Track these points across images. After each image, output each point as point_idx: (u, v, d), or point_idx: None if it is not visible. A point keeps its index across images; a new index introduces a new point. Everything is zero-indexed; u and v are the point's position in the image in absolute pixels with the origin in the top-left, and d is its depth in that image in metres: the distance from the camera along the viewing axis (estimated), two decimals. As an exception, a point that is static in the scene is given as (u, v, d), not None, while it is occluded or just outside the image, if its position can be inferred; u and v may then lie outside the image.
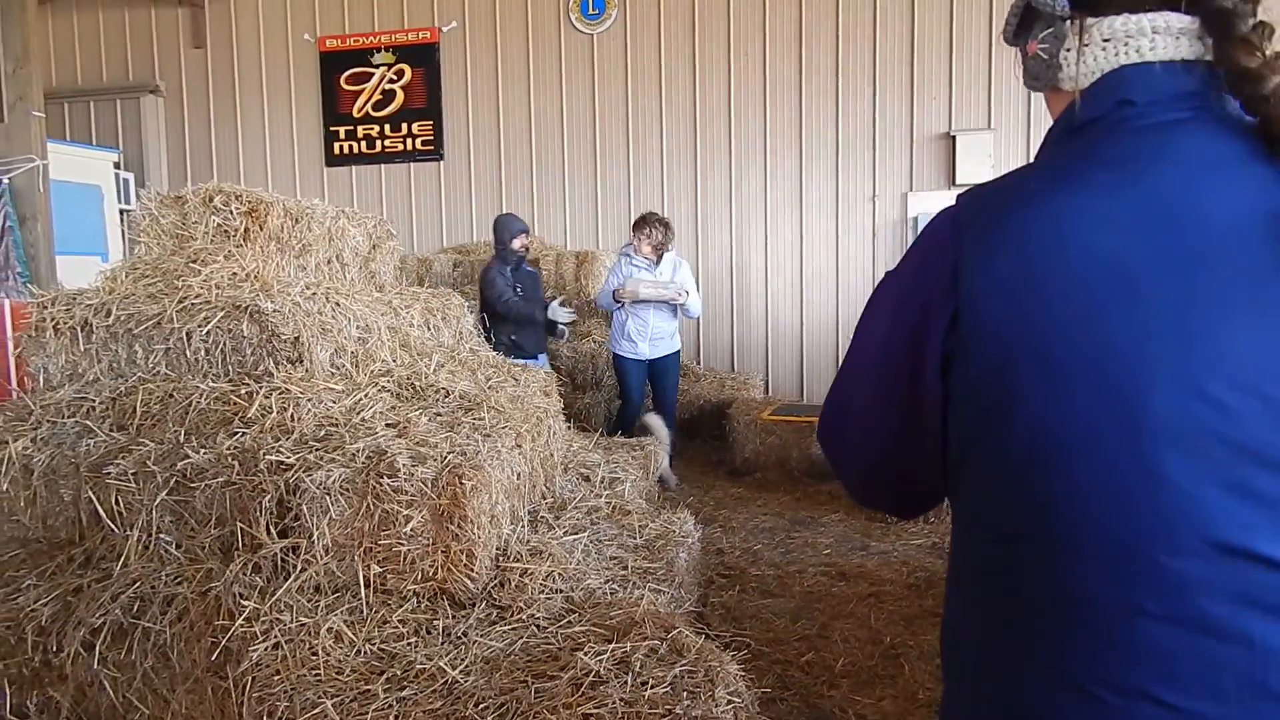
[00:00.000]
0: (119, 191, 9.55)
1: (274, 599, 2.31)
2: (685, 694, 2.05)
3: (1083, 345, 0.77)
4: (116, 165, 9.68)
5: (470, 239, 9.58)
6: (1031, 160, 0.93)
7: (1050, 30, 0.91)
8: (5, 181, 6.75)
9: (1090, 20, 0.87)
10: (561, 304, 6.34)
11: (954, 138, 8.12)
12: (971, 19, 8.14)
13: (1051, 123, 0.94)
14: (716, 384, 7.90)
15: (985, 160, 8.06)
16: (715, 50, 8.72)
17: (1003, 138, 8.13)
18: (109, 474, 2.53)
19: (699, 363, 8.92)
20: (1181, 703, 0.74)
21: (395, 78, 9.48)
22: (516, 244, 5.99)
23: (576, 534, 2.97)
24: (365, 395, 2.87)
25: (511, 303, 5.83)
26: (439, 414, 2.95)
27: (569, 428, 4.66)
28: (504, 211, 7.19)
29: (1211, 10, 0.83)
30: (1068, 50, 0.89)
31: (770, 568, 4.25)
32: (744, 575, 4.13)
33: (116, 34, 10.18)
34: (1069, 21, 0.89)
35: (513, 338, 5.93)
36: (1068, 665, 0.79)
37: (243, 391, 2.74)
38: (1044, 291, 0.78)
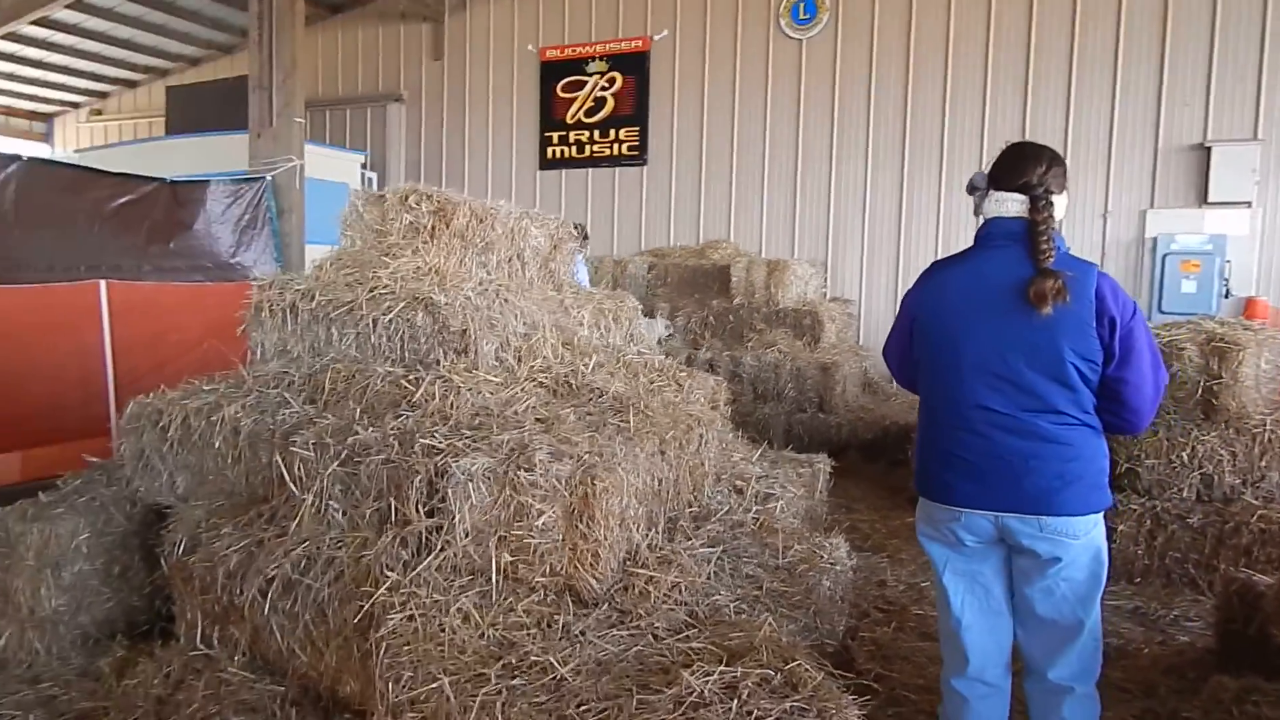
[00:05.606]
0: (364, 189, 10.70)
1: (414, 573, 2.45)
2: (792, 731, 1.94)
3: (944, 329, 2.26)
4: (363, 165, 10.82)
5: (667, 242, 9.75)
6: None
7: (980, 192, 2.29)
8: (269, 178, 7.73)
9: (991, 192, 2.26)
10: None
11: (1209, 149, 7.12)
12: (1239, 6, 7.08)
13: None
14: (906, 405, 7.47)
15: (1248, 176, 7.01)
16: (932, 51, 8.26)
17: (1274, 150, 7.04)
18: (294, 442, 2.82)
19: (892, 382, 8.49)
20: (969, 458, 2.21)
21: (607, 85, 9.84)
22: None
23: (713, 547, 2.91)
24: (521, 389, 2.99)
25: None
26: (589, 413, 3.00)
27: (738, 437, 4.60)
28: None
29: (1030, 195, 2.19)
30: (982, 203, 2.29)
31: (935, 609, 3.94)
32: (904, 613, 3.87)
33: (370, 48, 11.38)
34: (985, 190, 2.28)
35: None
36: (940, 445, 2.29)
37: (412, 377, 2.94)
38: (936, 307, 2.29)
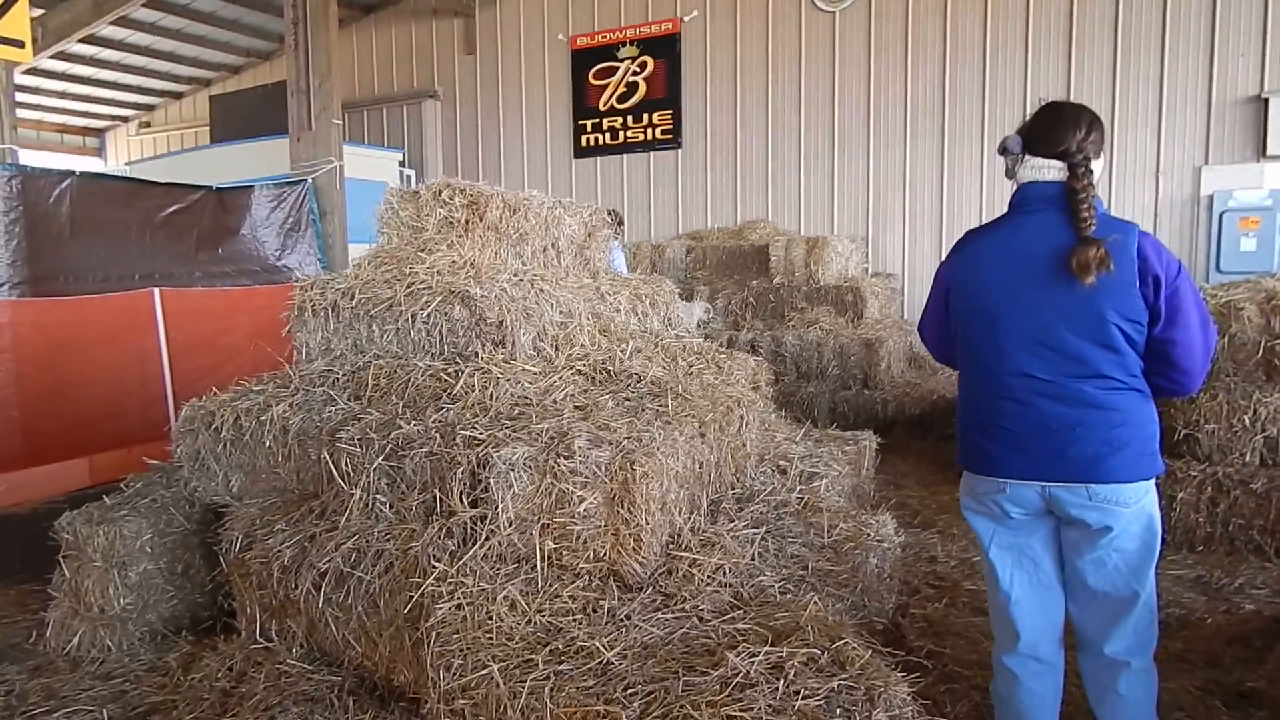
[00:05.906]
0: (402, 186, 10.83)
1: (461, 563, 2.49)
2: (839, 710, 1.93)
3: (982, 298, 2.20)
4: (401, 163, 10.95)
5: (705, 225, 9.69)
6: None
7: (1013, 156, 2.22)
8: (310, 181, 7.87)
9: (1026, 156, 2.19)
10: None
11: (1266, 101, 6.83)
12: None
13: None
14: (954, 379, 7.33)
15: (1310, 124, 6.70)
16: (969, 13, 8.04)
17: (1337, 96, 6.72)
18: (340, 438, 2.88)
19: (938, 355, 8.35)
20: (1012, 427, 2.16)
21: (638, 70, 9.79)
22: None
23: (757, 528, 2.90)
24: (559, 378, 3.01)
25: None
26: (628, 399, 3.01)
27: (781, 417, 4.57)
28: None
29: (1069, 162, 2.12)
30: (1016, 168, 2.22)
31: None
32: (955, 588, 3.81)
33: (404, 46, 11.48)
34: (1019, 154, 2.20)
35: None
36: (980, 416, 2.23)
37: (451, 370, 2.98)
38: (972, 277, 2.23)
